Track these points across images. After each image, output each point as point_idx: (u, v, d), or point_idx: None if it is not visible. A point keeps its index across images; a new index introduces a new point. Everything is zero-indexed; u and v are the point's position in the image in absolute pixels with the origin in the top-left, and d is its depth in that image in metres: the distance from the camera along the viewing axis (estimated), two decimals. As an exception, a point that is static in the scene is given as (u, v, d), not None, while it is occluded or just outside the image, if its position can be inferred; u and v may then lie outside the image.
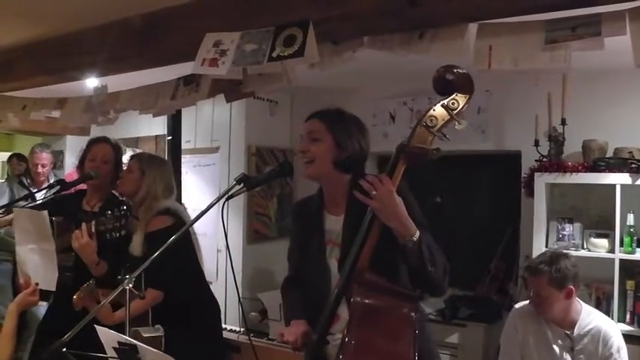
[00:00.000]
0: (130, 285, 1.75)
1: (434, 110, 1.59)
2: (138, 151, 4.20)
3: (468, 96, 1.58)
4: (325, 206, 1.87)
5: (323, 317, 1.67)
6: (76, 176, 2.85)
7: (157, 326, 2.41)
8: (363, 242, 1.61)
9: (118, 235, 2.31)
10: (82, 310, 2.12)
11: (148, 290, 2.39)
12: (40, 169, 4.62)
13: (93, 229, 2.33)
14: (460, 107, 1.58)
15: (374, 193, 1.57)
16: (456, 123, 1.58)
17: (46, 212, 2.34)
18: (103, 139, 2.72)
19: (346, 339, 1.51)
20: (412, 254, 1.58)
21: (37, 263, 2.35)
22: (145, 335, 2.48)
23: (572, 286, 2.36)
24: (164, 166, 2.71)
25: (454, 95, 1.58)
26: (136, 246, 2.46)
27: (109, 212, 2.34)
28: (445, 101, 1.59)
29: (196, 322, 2.63)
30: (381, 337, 1.52)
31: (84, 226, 2.37)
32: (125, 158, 3.87)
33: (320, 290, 1.78)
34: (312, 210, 1.89)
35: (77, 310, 2.10)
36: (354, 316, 1.54)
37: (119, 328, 1.84)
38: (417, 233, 1.58)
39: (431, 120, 1.58)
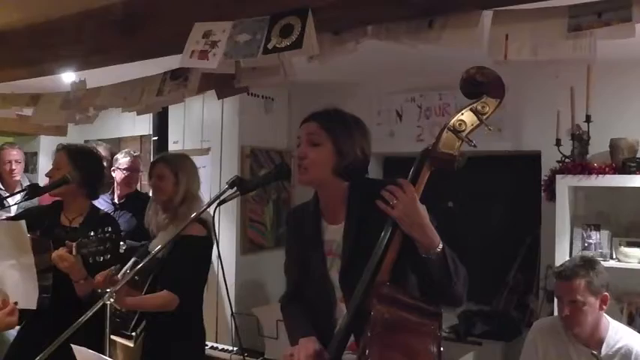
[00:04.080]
0: (112, 300, 1.78)
1: (462, 114, 1.62)
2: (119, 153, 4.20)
3: (498, 100, 1.60)
4: (322, 214, 1.87)
5: (337, 337, 1.66)
6: None
7: (133, 333, 2.53)
8: (384, 254, 1.60)
9: (101, 259, 2.30)
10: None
11: (165, 291, 2.51)
12: (13, 166, 4.58)
13: (75, 252, 2.33)
14: (490, 112, 1.60)
15: (395, 201, 1.57)
16: (486, 129, 1.60)
17: (23, 222, 2.34)
18: (60, 148, 2.74)
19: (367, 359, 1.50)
20: (435, 267, 1.57)
21: (17, 280, 2.32)
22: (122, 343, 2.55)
23: (607, 293, 2.37)
24: (190, 161, 2.87)
25: (484, 99, 1.60)
26: (158, 244, 2.46)
27: (92, 234, 2.33)
28: (475, 105, 1.61)
29: (191, 336, 2.71)
30: (406, 358, 1.52)
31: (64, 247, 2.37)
32: (124, 159, 3.91)
33: (322, 305, 1.79)
34: (308, 219, 1.89)
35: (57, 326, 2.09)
36: (374, 334, 1.52)
37: (97, 341, 1.85)
38: (441, 244, 1.58)
39: (460, 124, 1.60)
